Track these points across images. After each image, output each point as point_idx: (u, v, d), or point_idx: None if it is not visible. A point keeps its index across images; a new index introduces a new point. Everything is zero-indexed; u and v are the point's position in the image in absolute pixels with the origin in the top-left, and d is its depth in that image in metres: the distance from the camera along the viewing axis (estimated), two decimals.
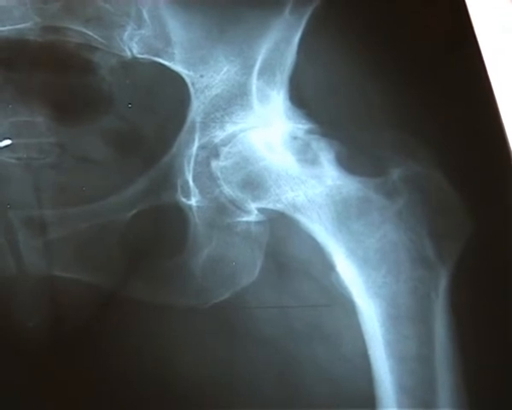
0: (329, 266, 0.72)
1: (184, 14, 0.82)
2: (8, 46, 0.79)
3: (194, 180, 0.75)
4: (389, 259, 0.73)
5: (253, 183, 0.76)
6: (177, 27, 0.81)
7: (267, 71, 0.80)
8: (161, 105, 0.78)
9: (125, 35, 0.80)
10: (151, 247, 0.73)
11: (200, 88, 0.79)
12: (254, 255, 0.73)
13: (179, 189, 0.75)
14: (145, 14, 0.81)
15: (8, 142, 0.75)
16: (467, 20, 0.84)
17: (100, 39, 0.80)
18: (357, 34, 0.83)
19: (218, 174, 0.76)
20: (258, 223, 0.74)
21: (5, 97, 0.77)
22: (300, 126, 0.78)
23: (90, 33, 0.80)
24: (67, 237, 0.72)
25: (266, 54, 0.81)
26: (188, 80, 0.79)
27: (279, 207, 0.75)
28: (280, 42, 0.81)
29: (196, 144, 0.76)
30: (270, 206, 0.75)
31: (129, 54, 0.79)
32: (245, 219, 0.74)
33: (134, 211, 0.74)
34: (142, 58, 0.79)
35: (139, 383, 0.68)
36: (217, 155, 0.76)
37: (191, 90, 0.78)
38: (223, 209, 0.74)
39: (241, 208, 0.75)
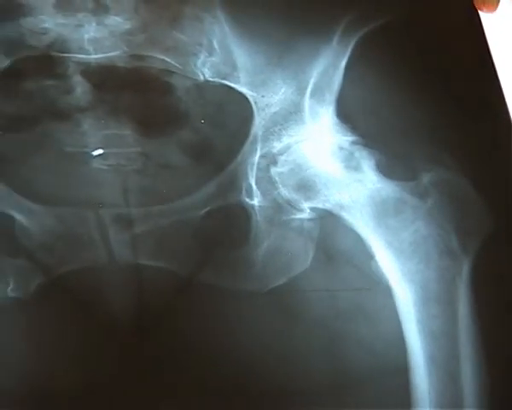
0: (370, 256, 0.77)
1: (248, 43, 0.86)
2: (101, 71, 0.83)
3: (256, 184, 0.80)
4: (421, 250, 0.77)
5: (306, 186, 0.80)
6: (242, 55, 0.85)
7: (318, 92, 0.84)
8: (229, 121, 0.82)
9: (199, 62, 0.84)
10: (220, 240, 0.77)
11: (261, 106, 0.83)
12: (307, 247, 0.77)
13: (244, 191, 0.79)
14: (215, 44, 0.85)
15: (100, 151, 0.80)
16: (486, 50, 0.87)
17: (177, 65, 0.84)
18: (395, 61, 0.85)
19: (277, 179, 0.80)
20: (310, 220, 0.78)
21: (98, 114, 0.81)
22: (346, 139, 0.82)
23: (169, 60, 0.84)
24: (151, 231, 0.77)
25: (317, 77, 0.84)
26: (251, 100, 0.83)
27: (328, 206, 0.79)
28: (329, 67, 0.85)
29: (258, 154, 0.81)
30: (320, 205, 0.79)
31: (202, 78, 0.84)
32: (299, 216, 0.79)
33: (206, 209, 0.78)
34: (213, 81, 0.84)
35: (210, 355, 0.73)
36: (275, 163, 0.81)
37: (254, 108, 0.83)
38: (280, 208, 0.79)
39: (295, 208, 0.79)
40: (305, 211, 0.79)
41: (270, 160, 0.81)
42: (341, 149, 0.82)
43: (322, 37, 0.87)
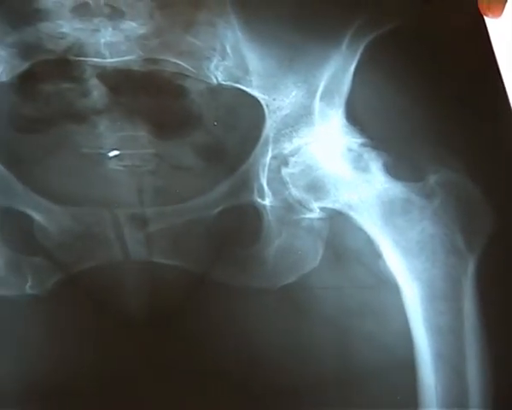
0: (378, 255, 0.78)
1: (260, 48, 0.87)
2: (117, 74, 0.84)
3: (267, 184, 0.81)
4: (427, 249, 0.78)
5: (316, 186, 0.81)
6: (254, 59, 0.86)
7: (327, 95, 0.85)
8: (241, 123, 0.83)
9: (212, 65, 0.86)
10: (232, 239, 0.78)
11: (272, 109, 0.84)
12: (316, 246, 0.78)
13: (255, 191, 0.80)
14: (228, 49, 0.87)
15: (116, 152, 0.81)
16: (491, 53, 0.88)
17: (191, 69, 0.85)
18: (403, 65, 0.87)
19: (287, 179, 0.81)
20: (319, 219, 0.79)
21: (114, 116, 0.82)
22: (355, 140, 0.83)
23: (183, 64, 0.86)
24: (165, 230, 0.78)
25: (327, 81, 0.86)
26: (263, 103, 0.84)
27: (337, 206, 0.80)
28: (338, 71, 0.86)
29: (269, 155, 0.82)
30: (330, 205, 0.80)
31: (214, 81, 0.85)
32: (309, 216, 0.80)
33: (219, 209, 0.79)
34: (226, 84, 0.85)
35: (222, 351, 0.74)
36: (286, 164, 0.82)
37: (265, 110, 0.84)
38: (291, 208, 0.80)
39: (305, 207, 0.80)
40: (315, 211, 0.80)
41: (282, 161, 0.82)
42: (350, 150, 0.83)
43: (331, 41, 0.88)
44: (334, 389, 0.73)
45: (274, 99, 0.85)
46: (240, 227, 0.80)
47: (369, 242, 0.79)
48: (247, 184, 0.81)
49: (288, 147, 0.83)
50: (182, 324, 0.75)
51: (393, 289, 0.77)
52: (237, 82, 0.86)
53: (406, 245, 0.79)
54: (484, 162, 0.83)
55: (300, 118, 0.84)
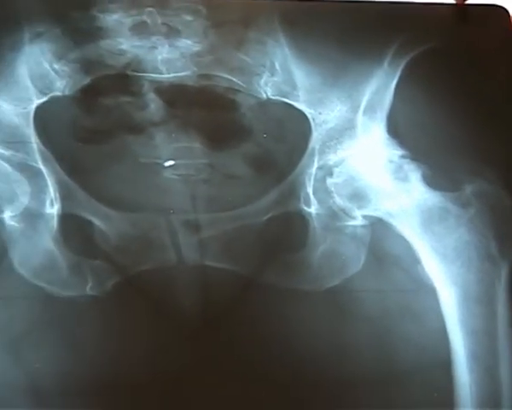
0: (416, 260, 0.80)
1: (307, 65, 0.88)
2: (172, 89, 0.87)
3: (313, 193, 0.83)
4: (463, 255, 0.80)
5: (359, 195, 0.83)
6: (301, 76, 0.88)
7: (370, 109, 0.87)
8: (289, 135, 0.85)
9: (262, 81, 0.88)
10: (280, 244, 0.80)
11: (318, 122, 0.86)
12: (359, 251, 0.80)
13: (302, 199, 0.82)
14: (277, 66, 0.88)
15: (171, 162, 0.83)
16: None
17: (242, 84, 0.87)
18: (441, 82, 0.88)
19: (332, 189, 0.83)
20: (362, 226, 0.82)
21: (169, 128, 0.85)
22: (395, 152, 0.85)
23: (235, 80, 0.88)
24: (217, 235, 0.80)
25: (369, 96, 0.87)
26: (309, 116, 0.86)
27: (378, 214, 0.82)
28: (380, 87, 0.88)
29: (315, 166, 0.84)
30: (372, 213, 0.82)
31: (264, 96, 0.87)
32: (352, 223, 0.82)
33: (268, 216, 0.81)
34: (275, 99, 0.87)
35: (270, 347, 0.76)
36: (331, 174, 0.84)
37: (312, 124, 0.86)
38: (335, 216, 0.82)
39: (349, 215, 0.82)
40: (357, 218, 0.83)
41: (326, 171, 0.84)
42: (391, 162, 0.85)
43: (374, 59, 0.90)
44: (374, 388, 0.75)
45: (320, 113, 0.87)
46: (287, 233, 0.81)
47: (409, 248, 0.81)
48: (294, 192, 0.83)
49: (332, 158, 0.85)
50: (232, 324, 0.77)
51: (431, 292, 0.79)
52: (285, 97, 0.87)
53: (443, 251, 0.81)
54: None
55: (344, 131, 0.86)
